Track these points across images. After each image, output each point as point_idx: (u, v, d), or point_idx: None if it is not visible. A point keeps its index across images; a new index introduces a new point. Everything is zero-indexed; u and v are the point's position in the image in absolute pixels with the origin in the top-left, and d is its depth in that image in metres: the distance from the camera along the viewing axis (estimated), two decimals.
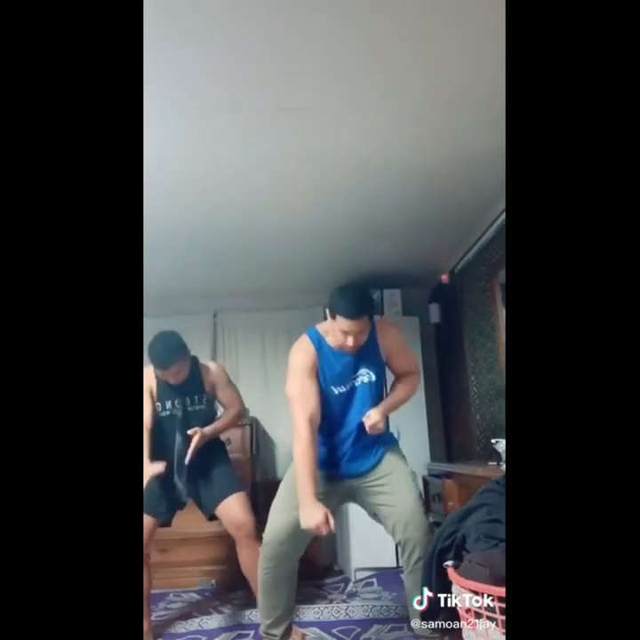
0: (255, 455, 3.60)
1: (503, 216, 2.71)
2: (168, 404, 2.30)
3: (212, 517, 2.32)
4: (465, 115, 2.00)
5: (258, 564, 1.85)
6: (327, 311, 1.80)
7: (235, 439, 3.32)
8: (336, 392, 1.82)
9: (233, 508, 2.23)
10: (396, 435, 2.00)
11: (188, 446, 2.22)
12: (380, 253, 3.43)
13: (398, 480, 1.80)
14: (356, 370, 1.84)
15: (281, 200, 2.66)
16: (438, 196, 2.67)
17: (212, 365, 2.43)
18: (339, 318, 1.72)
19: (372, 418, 1.76)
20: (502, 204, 2.66)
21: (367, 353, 1.84)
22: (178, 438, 2.26)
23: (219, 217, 2.81)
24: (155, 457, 2.23)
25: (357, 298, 1.73)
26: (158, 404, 2.30)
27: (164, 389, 2.29)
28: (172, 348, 2.20)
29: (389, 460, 1.85)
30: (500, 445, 2.46)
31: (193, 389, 2.32)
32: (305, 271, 3.74)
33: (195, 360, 2.36)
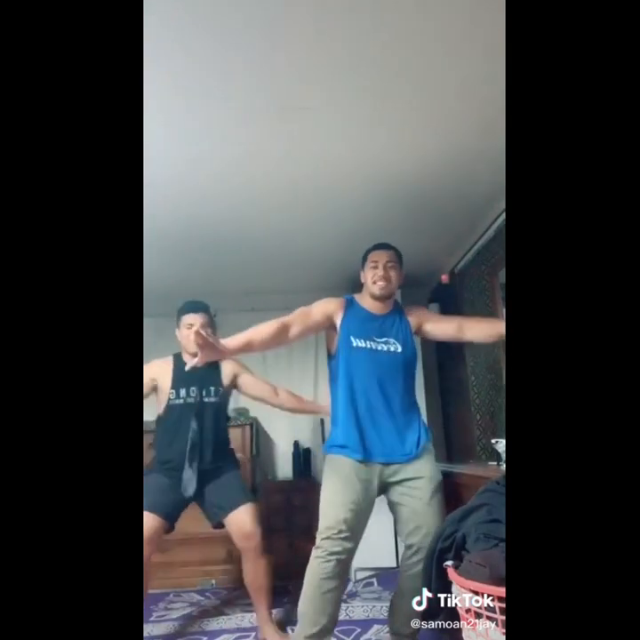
0: (255, 455, 3.60)
1: (503, 216, 2.71)
2: (182, 392, 2.30)
3: (218, 525, 2.29)
4: (465, 115, 2.00)
5: (310, 565, 1.73)
6: (361, 274, 2.02)
7: (235, 439, 3.31)
8: (354, 343, 1.86)
9: (242, 519, 2.20)
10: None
11: (203, 434, 2.25)
12: None
13: (429, 487, 1.80)
14: (380, 333, 1.91)
15: (281, 200, 2.66)
16: (438, 196, 2.67)
17: (232, 360, 2.44)
18: (369, 255, 1.98)
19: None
20: (502, 204, 2.66)
21: (396, 325, 1.94)
22: (193, 425, 2.26)
23: (219, 217, 2.81)
24: (167, 445, 2.27)
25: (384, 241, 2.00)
26: (172, 391, 2.30)
27: (181, 376, 2.29)
28: (204, 303, 2.40)
29: (425, 461, 1.84)
30: (500, 445, 2.46)
31: (210, 380, 2.33)
32: (305, 271, 3.74)
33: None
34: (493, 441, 2.60)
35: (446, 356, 3.95)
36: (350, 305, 1.95)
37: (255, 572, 2.19)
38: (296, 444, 3.81)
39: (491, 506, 1.41)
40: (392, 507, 1.86)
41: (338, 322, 1.90)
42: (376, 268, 1.94)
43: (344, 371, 1.86)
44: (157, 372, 2.33)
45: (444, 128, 2.09)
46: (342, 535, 1.69)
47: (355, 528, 1.73)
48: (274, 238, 3.14)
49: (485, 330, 1.99)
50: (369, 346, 1.86)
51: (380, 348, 1.87)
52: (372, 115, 1.98)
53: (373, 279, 1.93)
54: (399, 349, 1.89)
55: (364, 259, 2.01)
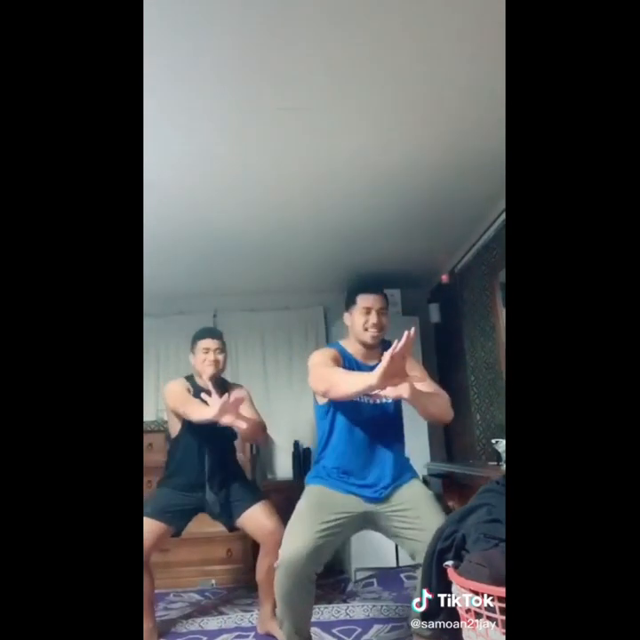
0: (255, 455, 3.60)
1: (503, 216, 2.71)
2: None
3: (233, 528, 2.33)
4: (465, 115, 2.00)
5: (275, 582, 1.75)
6: (345, 316, 1.91)
7: None
8: (360, 399, 1.80)
9: (261, 517, 2.23)
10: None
11: (218, 455, 2.28)
12: (380, 253, 3.42)
13: (425, 504, 1.77)
14: None
15: (281, 200, 2.66)
16: (438, 195, 2.67)
17: (238, 387, 2.45)
18: (359, 299, 1.86)
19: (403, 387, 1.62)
20: (502, 204, 2.66)
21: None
22: (209, 447, 2.28)
23: (219, 217, 2.81)
24: (180, 462, 2.29)
25: (372, 278, 1.90)
26: None
27: (197, 397, 2.24)
28: (218, 330, 2.48)
29: (411, 486, 1.83)
30: (500, 445, 2.47)
31: None
32: (305, 271, 3.74)
33: (223, 380, 2.44)
34: (493, 441, 2.61)
35: (446, 356, 3.96)
36: (343, 354, 1.86)
37: (272, 569, 2.20)
38: (296, 444, 3.81)
39: (491, 506, 1.41)
40: (389, 532, 1.83)
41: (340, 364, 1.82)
42: (368, 313, 1.83)
43: (334, 419, 1.84)
44: (174, 399, 2.28)
45: (443, 128, 2.09)
46: (300, 564, 1.67)
47: (317, 553, 1.70)
48: (273, 238, 3.14)
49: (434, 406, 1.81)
50: (361, 399, 1.81)
51: (370, 400, 1.82)
52: (372, 115, 1.98)
53: (365, 326, 1.83)
54: (389, 399, 1.83)
55: (351, 301, 1.89)
